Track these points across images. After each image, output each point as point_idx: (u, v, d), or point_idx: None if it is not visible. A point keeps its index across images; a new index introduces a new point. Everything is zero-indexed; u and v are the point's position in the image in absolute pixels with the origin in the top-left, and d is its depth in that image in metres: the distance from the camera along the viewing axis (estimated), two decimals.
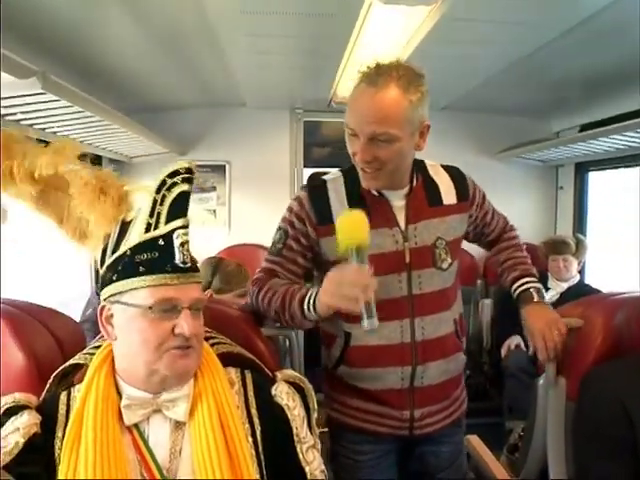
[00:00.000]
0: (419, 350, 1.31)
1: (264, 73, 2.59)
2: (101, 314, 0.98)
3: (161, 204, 0.97)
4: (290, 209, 1.37)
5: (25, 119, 1.93)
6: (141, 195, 1.01)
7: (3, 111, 1.77)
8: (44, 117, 1.94)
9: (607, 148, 2.74)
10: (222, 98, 3.20)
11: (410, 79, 1.17)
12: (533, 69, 2.37)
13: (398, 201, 1.33)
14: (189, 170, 1.00)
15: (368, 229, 1.13)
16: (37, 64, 1.49)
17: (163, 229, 0.96)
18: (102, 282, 1.00)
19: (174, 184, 0.98)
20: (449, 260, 1.35)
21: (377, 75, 1.17)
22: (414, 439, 1.38)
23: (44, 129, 2.12)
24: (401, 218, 1.32)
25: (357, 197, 1.32)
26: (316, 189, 1.36)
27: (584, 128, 3.06)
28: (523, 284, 1.45)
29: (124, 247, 0.97)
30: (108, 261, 0.98)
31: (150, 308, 0.92)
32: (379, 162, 1.22)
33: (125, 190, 1.01)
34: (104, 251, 1.01)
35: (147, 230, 0.96)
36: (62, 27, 1.85)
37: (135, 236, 0.96)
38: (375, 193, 1.33)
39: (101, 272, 1.01)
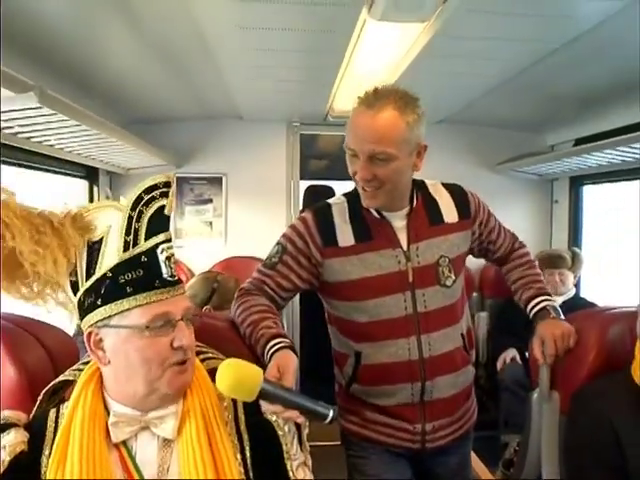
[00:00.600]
0: (427, 366, 1.34)
1: (261, 86, 2.61)
2: (89, 340, 0.94)
3: (138, 220, 0.94)
4: (293, 227, 1.39)
5: (22, 132, 1.94)
6: (104, 213, 0.96)
7: (1, 124, 1.78)
8: (41, 130, 1.95)
9: (601, 162, 2.76)
10: (219, 111, 3.22)
11: (407, 102, 1.24)
12: (528, 84, 2.39)
13: (399, 222, 1.37)
14: (167, 184, 0.97)
15: (248, 372, 0.97)
16: (34, 78, 1.50)
17: (144, 246, 0.93)
18: (82, 309, 0.95)
19: (152, 199, 0.95)
20: (453, 277, 1.38)
21: (375, 99, 1.23)
22: (426, 452, 1.40)
23: (41, 142, 2.14)
24: (403, 239, 1.36)
25: (359, 220, 1.36)
26: (321, 211, 1.40)
27: (579, 142, 3.08)
28: (539, 302, 1.46)
29: (101, 269, 0.93)
30: (84, 286, 0.94)
31: (147, 327, 0.91)
32: (378, 181, 1.26)
33: (78, 216, 0.96)
34: (73, 277, 0.96)
35: (126, 249, 0.92)
36: (59, 41, 1.86)
37: (112, 256, 0.93)
38: (376, 215, 1.36)
39: (76, 299, 0.96)
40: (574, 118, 3.01)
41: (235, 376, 0.94)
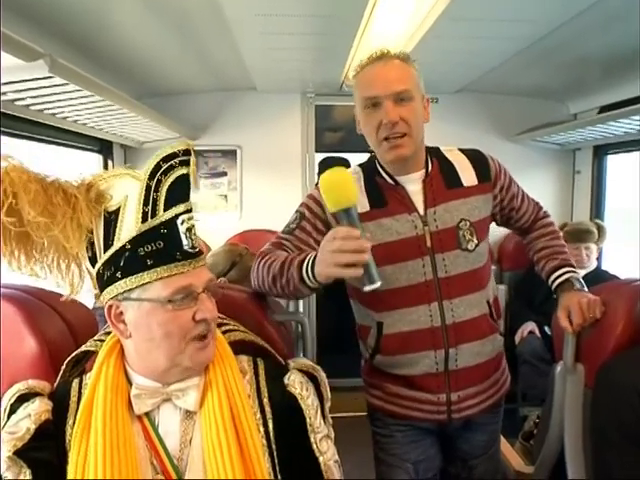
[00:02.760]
0: (450, 333, 1.32)
1: (275, 55, 2.55)
2: (109, 313, 0.93)
3: (156, 190, 0.90)
4: (310, 195, 1.40)
5: (34, 104, 1.91)
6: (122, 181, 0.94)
7: (12, 96, 1.76)
8: (53, 102, 1.92)
9: (627, 130, 2.66)
10: (232, 82, 3.16)
11: (406, 57, 1.32)
12: (551, 49, 2.30)
13: (414, 186, 1.35)
14: (187, 152, 0.93)
15: (355, 187, 1.08)
16: (46, 49, 1.47)
17: (163, 216, 0.90)
18: (102, 281, 0.93)
19: (171, 167, 0.92)
20: (475, 241, 1.35)
21: (379, 56, 1.30)
22: (452, 424, 1.39)
23: (54, 114, 2.11)
24: (419, 203, 1.34)
25: (373, 186, 1.36)
26: None
27: (603, 110, 2.98)
28: (563, 274, 1.43)
29: (120, 241, 0.90)
30: (102, 258, 0.92)
31: (169, 301, 0.89)
32: (405, 123, 1.27)
33: (93, 184, 0.94)
34: (91, 248, 0.94)
35: (144, 219, 0.90)
36: (72, 11, 1.82)
37: (131, 228, 0.90)
38: (390, 181, 1.36)
39: (95, 270, 0.95)
40: (598, 85, 2.91)
41: (344, 177, 1.05)
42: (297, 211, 1.40)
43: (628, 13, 1.84)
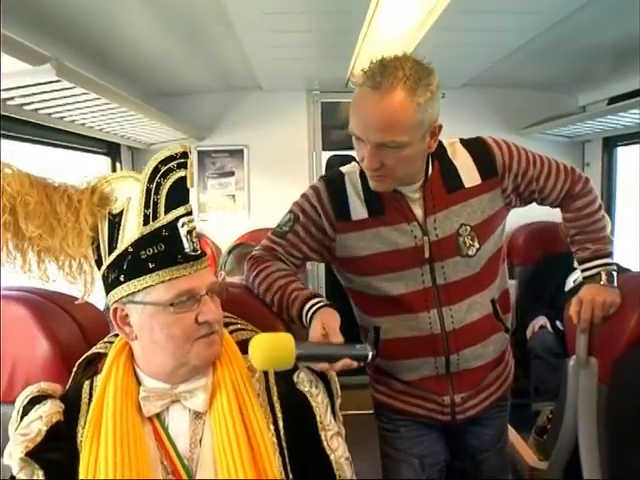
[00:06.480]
0: (450, 339, 1.29)
1: (280, 53, 2.54)
2: (115, 316, 0.94)
3: (156, 193, 0.91)
4: (305, 196, 1.34)
5: (42, 108, 1.93)
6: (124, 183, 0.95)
7: (20, 100, 1.78)
8: (60, 105, 1.93)
9: (638, 121, 2.63)
10: (238, 82, 3.17)
11: (418, 78, 1.09)
12: (558, 40, 2.27)
13: (413, 193, 1.27)
14: (184, 154, 0.93)
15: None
16: (50, 51, 1.48)
17: (164, 219, 0.91)
18: (107, 284, 0.94)
19: (170, 170, 0.92)
20: (476, 245, 1.28)
21: (381, 76, 1.08)
22: (456, 424, 1.37)
23: (62, 118, 2.13)
24: (418, 211, 1.27)
25: (372, 191, 1.26)
26: (334, 182, 1.33)
27: (612, 101, 2.95)
28: (593, 267, 1.38)
29: (123, 244, 0.91)
30: (107, 261, 0.93)
31: (172, 304, 0.90)
32: (386, 169, 1.16)
33: (97, 187, 0.95)
34: (97, 250, 0.96)
35: (145, 222, 0.90)
36: (75, 13, 1.82)
37: (133, 230, 0.91)
38: None
39: (101, 273, 0.96)
40: (607, 76, 2.87)
41: (268, 350, 0.94)
42: (291, 211, 1.34)
43: (636, 3, 1.82)
